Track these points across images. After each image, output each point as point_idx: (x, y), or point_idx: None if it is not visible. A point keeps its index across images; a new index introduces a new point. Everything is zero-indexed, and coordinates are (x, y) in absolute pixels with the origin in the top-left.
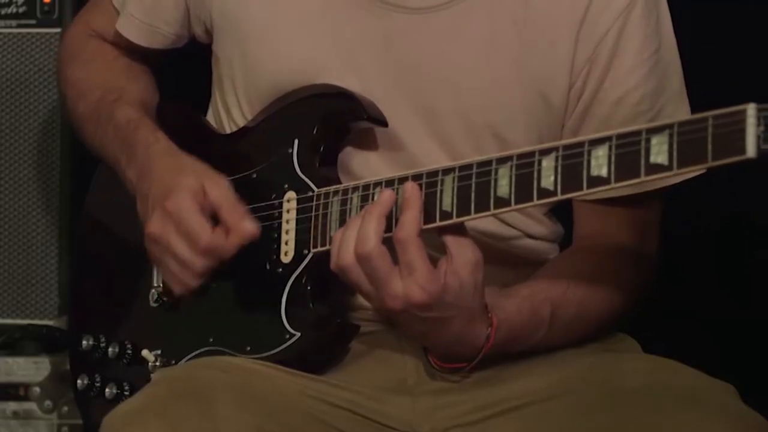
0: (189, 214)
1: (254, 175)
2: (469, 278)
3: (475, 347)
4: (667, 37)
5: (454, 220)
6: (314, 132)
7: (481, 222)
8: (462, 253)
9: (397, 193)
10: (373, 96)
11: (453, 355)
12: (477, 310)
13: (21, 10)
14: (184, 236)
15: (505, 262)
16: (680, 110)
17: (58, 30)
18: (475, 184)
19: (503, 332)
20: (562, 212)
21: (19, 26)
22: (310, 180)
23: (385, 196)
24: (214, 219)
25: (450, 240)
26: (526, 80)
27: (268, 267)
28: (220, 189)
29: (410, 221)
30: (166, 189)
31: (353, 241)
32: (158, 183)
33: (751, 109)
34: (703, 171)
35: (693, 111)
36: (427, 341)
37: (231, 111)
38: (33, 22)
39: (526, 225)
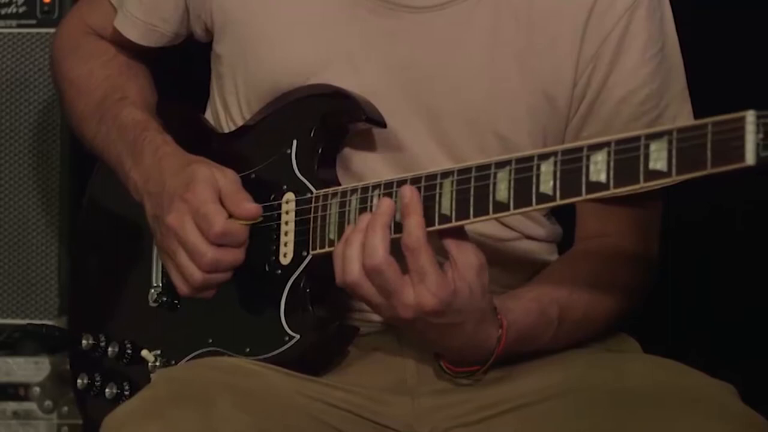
0: (206, 202)
1: (253, 176)
2: (476, 281)
3: (488, 349)
4: (671, 37)
5: (453, 223)
6: (312, 133)
7: (480, 224)
8: (465, 257)
9: (395, 197)
10: (374, 95)
11: (466, 359)
12: (487, 312)
13: (21, 10)
14: (199, 224)
15: (504, 263)
16: (683, 110)
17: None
18: (473, 188)
19: (513, 333)
20: (562, 213)
21: (19, 26)
22: (308, 181)
23: (385, 206)
24: None
25: (451, 244)
26: (530, 79)
27: (267, 268)
28: (225, 176)
29: (416, 227)
30: (183, 181)
31: (358, 256)
32: (173, 178)
33: (750, 116)
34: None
35: (695, 112)
36: (440, 347)
37: (230, 109)
38: (33, 22)
39: (525, 226)
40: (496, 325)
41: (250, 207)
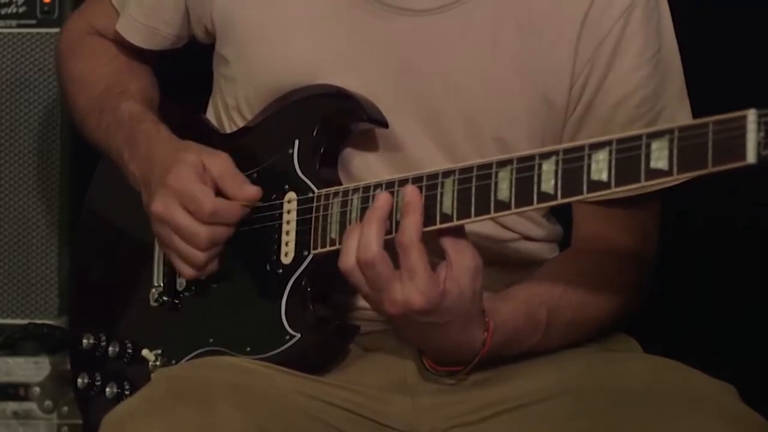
0: (189, 183)
1: (255, 175)
2: (468, 285)
3: (472, 351)
4: (668, 39)
5: (455, 222)
6: (314, 133)
7: (480, 225)
8: (461, 260)
9: (397, 196)
10: (373, 97)
11: (449, 359)
12: (474, 315)
13: (21, 10)
14: (188, 206)
15: (504, 264)
16: (681, 112)
17: (58, 30)
18: (475, 187)
19: (499, 336)
20: (562, 213)
21: (19, 26)
22: (310, 181)
23: (381, 201)
24: (217, 193)
25: (449, 245)
26: (529, 82)
27: (268, 268)
28: (219, 160)
29: (412, 226)
30: (167, 167)
31: (354, 249)
32: (160, 165)
33: (751, 114)
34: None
35: (694, 113)
36: (424, 345)
37: (231, 111)
38: (33, 22)
39: (524, 228)
40: (482, 328)
41: (251, 189)
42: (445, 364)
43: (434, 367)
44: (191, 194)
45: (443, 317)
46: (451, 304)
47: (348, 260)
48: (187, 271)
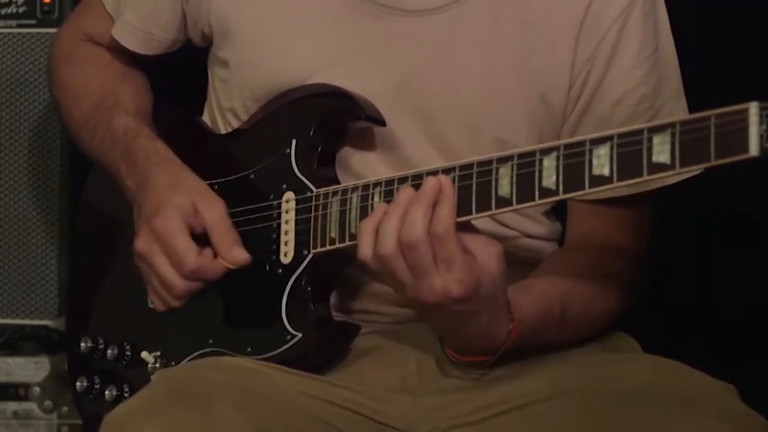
0: (175, 235)
1: (252, 176)
2: (497, 269)
3: (497, 341)
4: (665, 37)
5: (455, 219)
6: (312, 132)
7: (479, 222)
8: (483, 248)
9: (393, 195)
10: (372, 99)
11: (475, 349)
12: (503, 305)
13: (21, 10)
14: (169, 257)
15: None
16: (678, 110)
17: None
18: (475, 184)
19: (524, 327)
20: (562, 210)
21: (19, 26)
22: (308, 180)
23: (431, 185)
24: (205, 238)
25: (467, 238)
26: (527, 82)
27: (267, 268)
28: (214, 210)
29: (446, 215)
30: (156, 206)
31: (395, 229)
32: (151, 199)
33: (753, 107)
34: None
35: (693, 111)
36: (456, 334)
37: (226, 113)
38: (33, 22)
39: (524, 225)
40: (508, 318)
41: (240, 254)
42: (467, 355)
43: (457, 357)
44: (174, 248)
45: (478, 305)
46: (487, 290)
47: (385, 245)
48: (160, 306)
